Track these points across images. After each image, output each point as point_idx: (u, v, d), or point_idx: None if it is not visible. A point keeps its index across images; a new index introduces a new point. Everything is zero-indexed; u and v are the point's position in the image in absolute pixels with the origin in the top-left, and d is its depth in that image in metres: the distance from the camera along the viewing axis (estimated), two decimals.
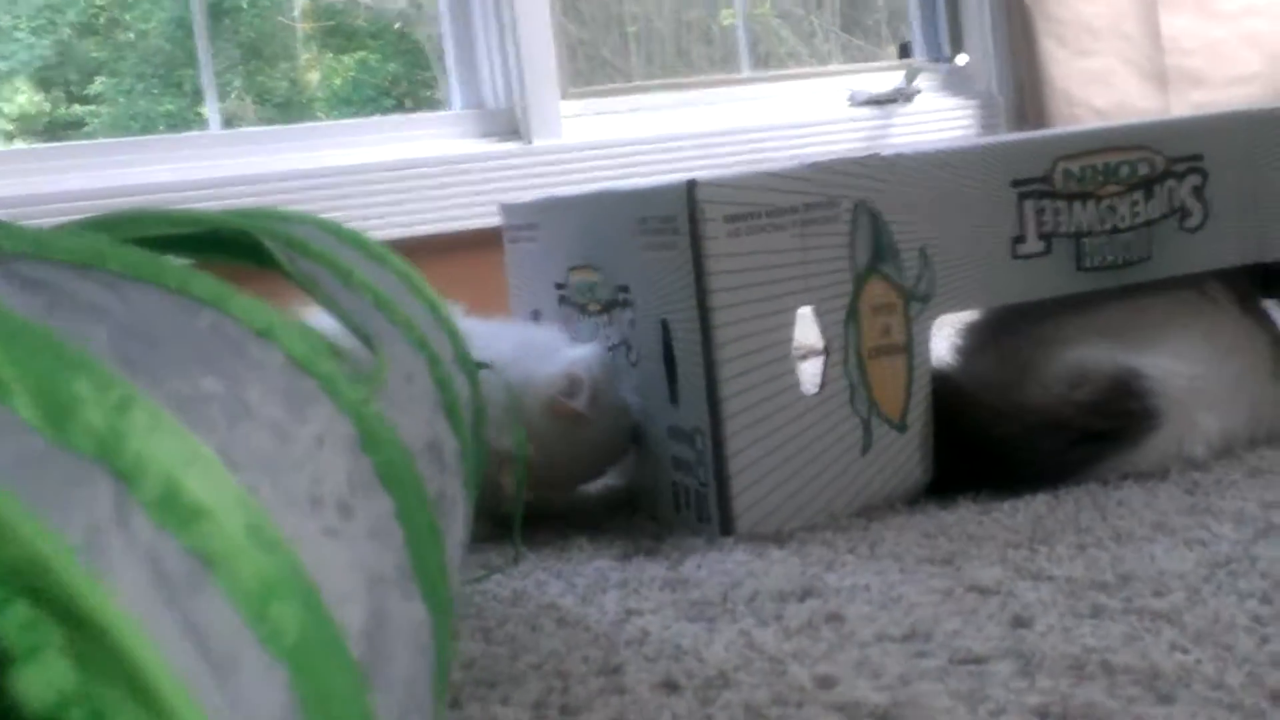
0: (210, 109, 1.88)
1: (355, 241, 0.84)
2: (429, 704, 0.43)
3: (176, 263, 0.43)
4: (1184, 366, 1.08)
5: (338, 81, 4.23)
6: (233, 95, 4.28)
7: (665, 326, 1.04)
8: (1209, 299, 1.15)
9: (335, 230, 0.84)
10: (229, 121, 4.10)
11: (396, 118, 1.95)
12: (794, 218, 1.01)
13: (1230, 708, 0.64)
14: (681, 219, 1.00)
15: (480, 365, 0.93)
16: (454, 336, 0.88)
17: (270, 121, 3.74)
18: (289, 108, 4.19)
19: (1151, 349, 1.08)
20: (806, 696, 0.71)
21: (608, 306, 1.12)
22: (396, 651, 0.38)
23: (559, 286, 1.19)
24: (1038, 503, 1.02)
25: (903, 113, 2.11)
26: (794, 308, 1.02)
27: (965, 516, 1.01)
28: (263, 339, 0.43)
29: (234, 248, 0.67)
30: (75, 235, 0.42)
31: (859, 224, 1.02)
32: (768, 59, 3.84)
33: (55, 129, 4.05)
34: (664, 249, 1.02)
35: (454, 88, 1.93)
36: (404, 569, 0.44)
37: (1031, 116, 2.13)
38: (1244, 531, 0.90)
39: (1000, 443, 1.06)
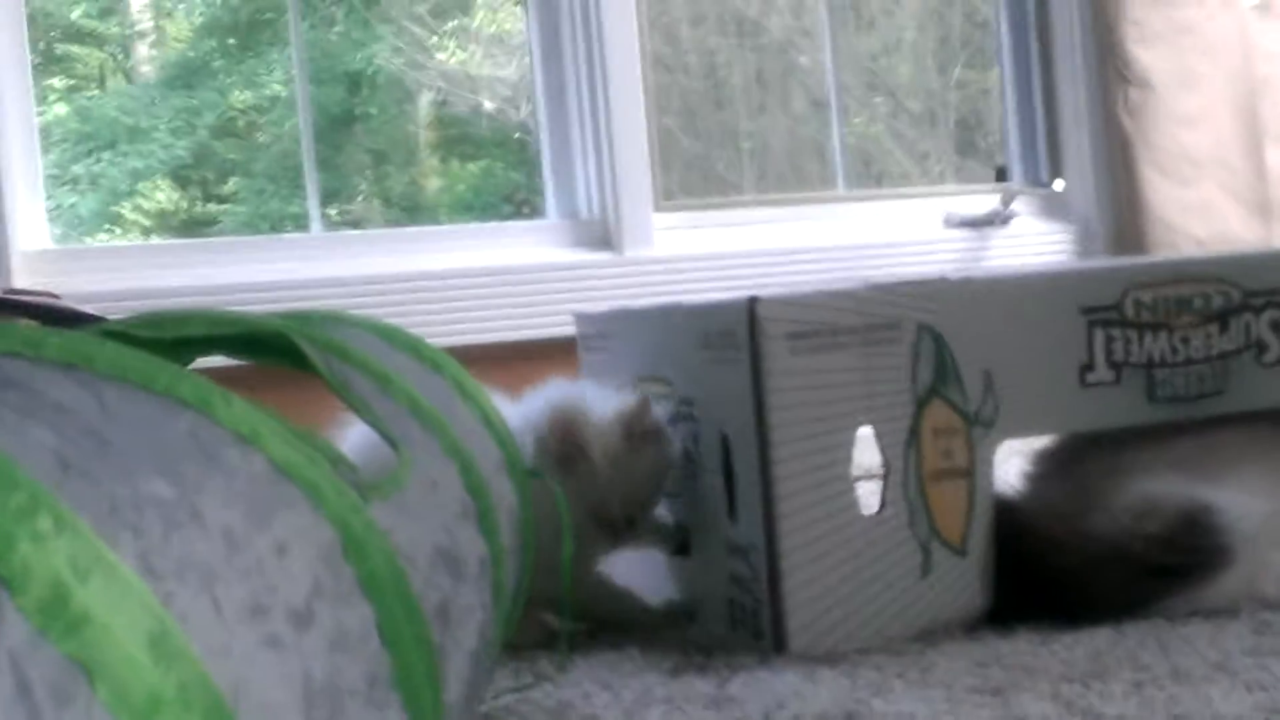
0: (312, 211, 1.93)
1: (409, 346, 0.86)
2: None
3: (171, 366, 0.44)
4: (1258, 502, 1.05)
5: (461, 188, 4.33)
6: (360, 199, 4.40)
7: (725, 441, 1.04)
8: None
9: (390, 334, 0.86)
10: (356, 224, 4.20)
11: (493, 225, 1.99)
12: (855, 338, 1.01)
13: None
14: (742, 335, 1.00)
15: (533, 474, 0.93)
16: (504, 443, 0.89)
17: (397, 224, 3.83)
18: (415, 212, 4.29)
19: (1224, 483, 1.06)
20: None
21: (672, 420, 1.12)
22: None
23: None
24: (1098, 636, 0.99)
25: (998, 236, 2.10)
26: (854, 427, 1.01)
27: (1022, 647, 0.99)
28: (245, 444, 0.44)
29: (274, 350, 0.68)
30: (72, 335, 0.43)
31: (922, 346, 1.02)
32: (881, 179, 3.86)
33: (191, 226, 4.19)
34: (726, 364, 1.03)
35: (550, 197, 1.97)
36: (378, 679, 0.44)
37: (1130, 244, 2.11)
38: None
39: (1063, 573, 1.04)
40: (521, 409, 1.12)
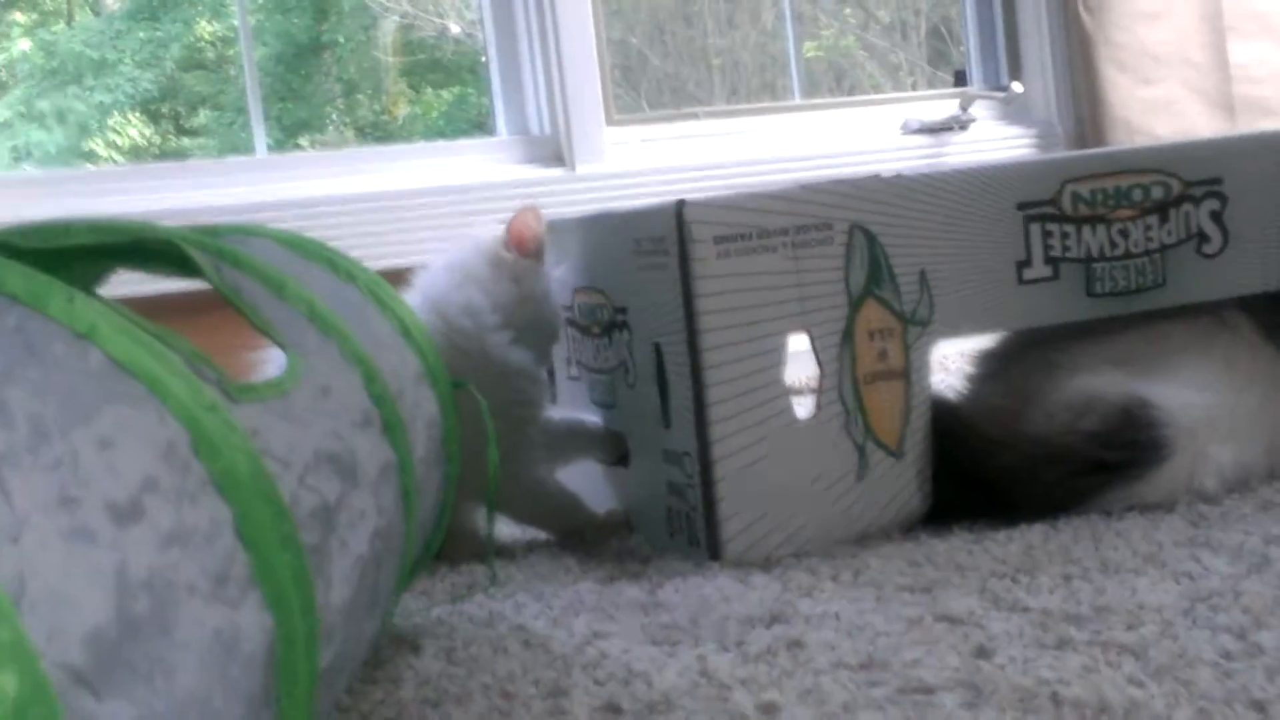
0: (257, 135, 1.90)
1: (322, 258, 0.84)
2: (244, 713, 0.42)
3: (8, 264, 0.43)
4: (1197, 396, 1.05)
5: (434, 114, 4.29)
6: (331, 128, 4.36)
7: (658, 349, 1.03)
8: (1227, 326, 1.11)
9: (302, 246, 0.84)
10: None
11: (441, 144, 1.95)
12: (786, 239, 0.99)
13: None
14: (671, 240, 0.98)
15: (457, 384, 0.92)
16: (425, 354, 0.88)
17: None
18: (388, 140, 4.25)
19: (1163, 378, 1.05)
20: None
21: (607, 329, 1.11)
22: (176, 661, 0.37)
23: (566, 309, 1.18)
24: (1033, 533, 0.99)
25: (957, 141, 2.07)
26: (786, 331, 1.00)
27: (957, 545, 0.98)
28: (80, 340, 0.42)
29: (163, 258, 0.67)
30: None
31: (854, 246, 1.00)
32: (853, 91, 3.82)
33: (164, 160, 4.15)
34: (656, 270, 1.01)
35: (500, 113, 1.94)
36: (229, 576, 0.43)
37: (1092, 145, 2.09)
38: (1238, 566, 0.87)
39: (1002, 472, 1.03)
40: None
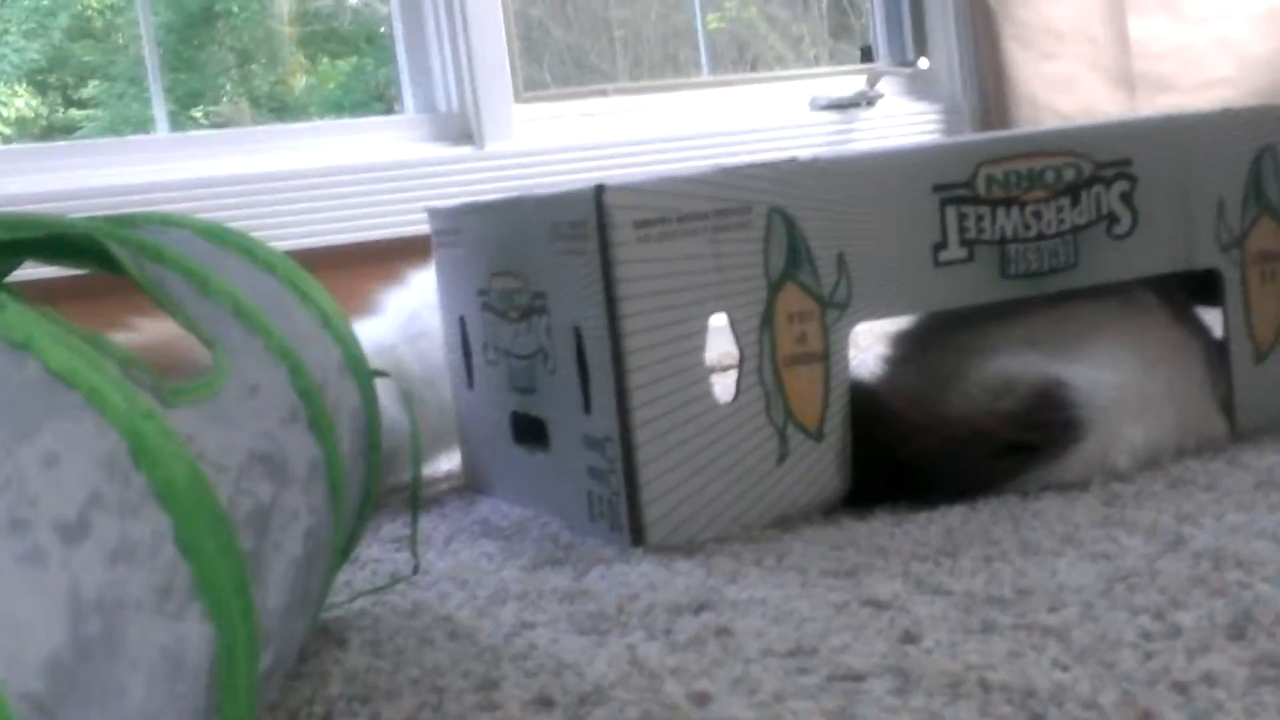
0: (158, 111, 1.87)
1: (240, 247, 0.83)
2: None
3: None
4: (1110, 376, 1.06)
5: (331, 86, 4.22)
6: (225, 100, 4.28)
7: (578, 333, 1.03)
8: (1138, 307, 1.13)
9: (219, 235, 0.83)
10: (224, 126, 4.09)
11: (346, 122, 1.93)
12: (706, 223, 0.99)
13: None
14: (590, 224, 0.98)
15: (377, 373, 0.91)
16: (345, 344, 0.86)
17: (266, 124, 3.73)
18: (284, 112, 4.18)
19: (1077, 358, 1.07)
20: (678, 714, 0.69)
21: (526, 313, 1.10)
22: (126, 680, 0.37)
23: (482, 293, 1.17)
24: (953, 515, 1.00)
25: (865, 117, 2.09)
26: (707, 315, 1.00)
27: (878, 528, 0.99)
28: (17, 351, 0.41)
29: (84, 253, 0.65)
30: None
31: (773, 229, 1.01)
32: (755, 64, 3.83)
33: (52, 133, 4.05)
34: (575, 255, 1.01)
35: (406, 90, 1.92)
36: (173, 588, 0.42)
37: (996, 122, 2.11)
38: (1152, 545, 0.89)
39: (921, 455, 1.04)
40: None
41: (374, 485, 0.90)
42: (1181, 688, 0.66)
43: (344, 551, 0.87)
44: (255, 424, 0.59)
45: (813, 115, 2.08)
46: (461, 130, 1.87)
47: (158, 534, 0.43)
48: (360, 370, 0.87)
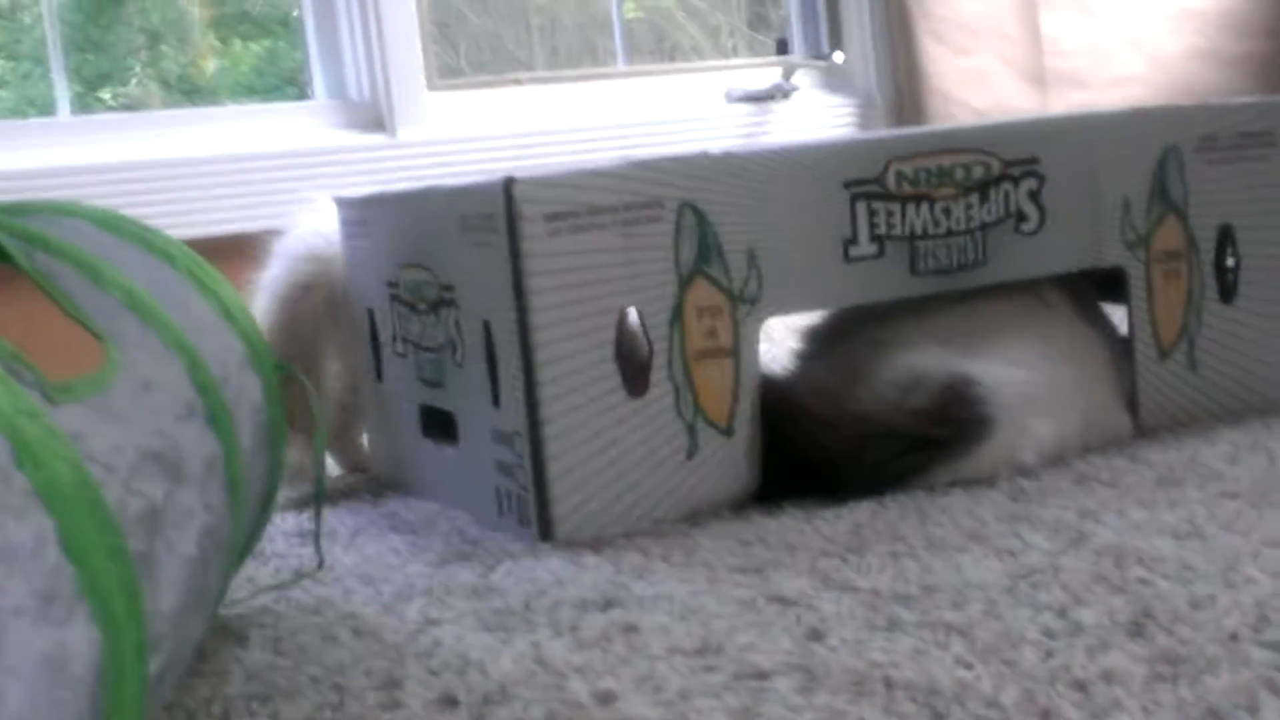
0: (59, 94, 1.83)
1: (136, 237, 0.81)
2: None
3: None
4: (1017, 373, 1.07)
5: (243, 69, 4.16)
6: (134, 82, 4.21)
7: (487, 327, 1.02)
8: (1045, 304, 1.14)
9: (114, 224, 0.81)
10: (132, 109, 4.02)
11: (255, 107, 1.91)
12: (616, 217, 0.98)
13: None
14: (499, 217, 0.97)
15: (280, 367, 0.90)
16: (248, 337, 0.85)
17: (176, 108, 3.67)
18: (194, 95, 4.11)
19: (985, 355, 1.07)
20: (581, 713, 0.69)
21: (435, 306, 1.09)
22: (4, 688, 0.35)
23: (391, 285, 1.16)
24: (861, 511, 1.00)
25: (780, 110, 2.09)
26: (617, 309, 0.99)
27: (787, 525, 0.99)
28: None
29: None
30: None
31: (684, 224, 1.00)
32: (673, 53, 3.83)
33: None
34: (484, 248, 1.00)
35: (317, 76, 1.89)
36: (57, 593, 0.41)
37: (910, 116, 2.13)
38: (1056, 542, 0.89)
39: (830, 450, 1.04)
40: None
41: (276, 480, 0.89)
42: (1081, 685, 0.66)
43: (245, 548, 0.86)
44: (148, 421, 0.58)
45: (728, 107, 2.08)
46: (373, 118, 1.85)
47: (40, 537, 0.42)
48: (264, 363, 0.86)
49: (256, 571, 1.00)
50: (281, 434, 0.88)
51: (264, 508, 0.87)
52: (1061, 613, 0.76)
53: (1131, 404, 1.15)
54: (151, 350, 0.65)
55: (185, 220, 1.49)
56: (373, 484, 1.27)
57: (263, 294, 1.23)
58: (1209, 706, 0.62)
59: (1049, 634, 0.73)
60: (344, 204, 1.23)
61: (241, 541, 0.78)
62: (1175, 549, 0.85)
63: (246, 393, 0.80)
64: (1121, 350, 1.16)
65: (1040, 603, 0.78)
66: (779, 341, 1.13)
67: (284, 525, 1.14)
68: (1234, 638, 0.70)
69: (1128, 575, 0.81)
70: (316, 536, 0.91)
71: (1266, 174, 1.20)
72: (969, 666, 0.70)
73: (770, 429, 1.05)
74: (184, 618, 0.58)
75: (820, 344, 1.16)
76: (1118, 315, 1.19)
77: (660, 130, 1.92)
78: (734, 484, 1.04)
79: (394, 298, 1.16)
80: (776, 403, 1.05)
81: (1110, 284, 1.17)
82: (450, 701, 0.72)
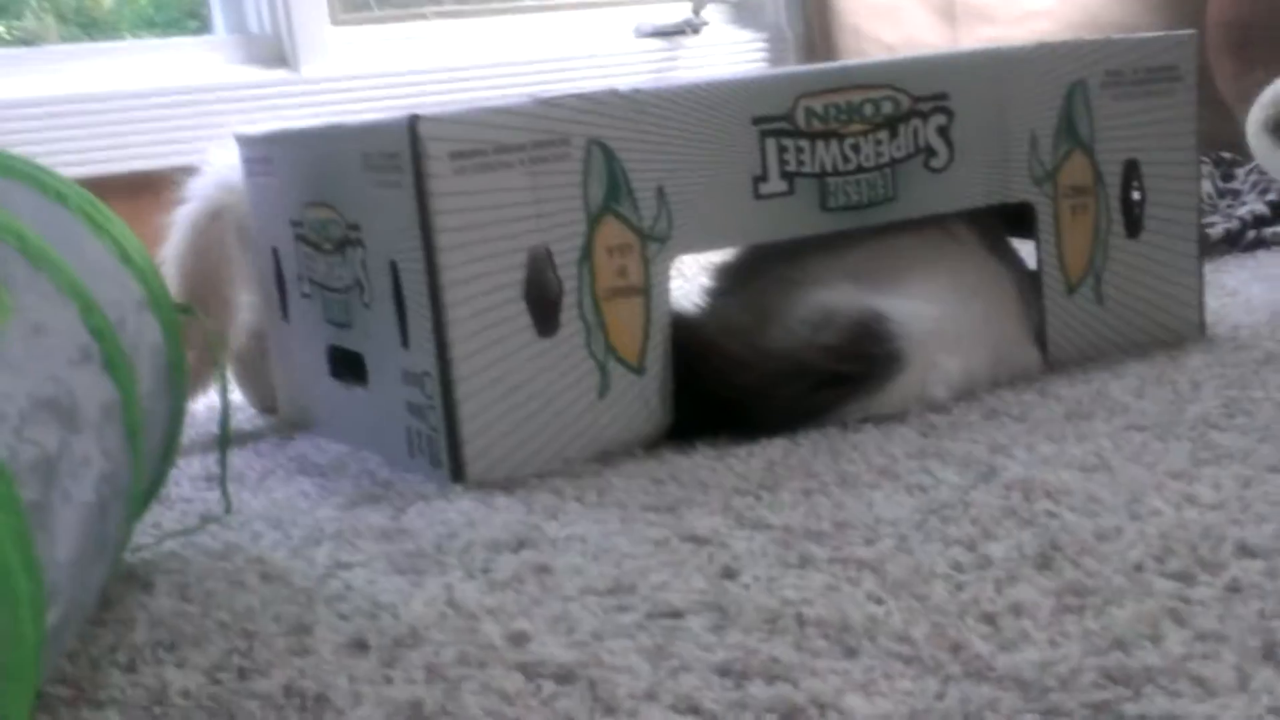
0: None
1: (27, 176, 0.79)
2: None
3: None
4: (927, 308, 1.07)
5: (142, 1, 4.06)
6: (28, 15, 4.09)
7: (394, 267, 1.00)
8: (954, 239, 1.14)
9: (4, 164, 0.78)
10: (29, 42, 3.91)
11: (152, 42, 1.86)
12: (523, 155, 0.97)
13: (909, 660, 0.63)
14: (404, 156, 0.95)
15: (182, 309, 0.88)
16: (147, 278, 0.83)
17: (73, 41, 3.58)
18: (92, 28, 4.01)
19: (895, 291, 1.07)
20: (493, 655, 0.68)
21: (340, 245, 1.07)
22: None
23: (295, 224, 1.14)
24: (774, 448, 1.00)
25: (690, 45, 2.08)
26: (526, 248, 0.98)
27: (700, 463, 0.99)
28: None
29: None
30: None
31: (592, 161, 0.99)
32: None
33: None
34: (390, 187, 0.98)
35: (216, 9, 1.85)
36: None
37: (821, 52, 2.12)
38: (966, 476, 0.90)
39: (743, 388, 1.04)
40: None
41: (179, 423, 0.87)
42: (990, 618, 0.67)
43: (147, 494, 0.84)
44: (40, 367, 0.56)
45: (637, 43, 2.06)
46: (275, 53, 1.81)
47: None
48: (163, 306, 0.84)
49: (162, 516, 0.99)
50: (182, 376, 0.86)
51: (167, 452, 0.86)
52: (971, 547, 0.77)
53: (1040, 338, 1.16)
54: (43, 294, 0.63)
55: (82, 159, 1.46)
56: (281, 426, 1.25)
57: (175, 226, 1.22)
58: (1115, 637, 0.63)
59: (959, 568, 0.74)
60: (245, 141, 1.21)
61: (144, 487, 0.76)
62: (1082, 482, 0.86)
63: (145, 335, 0.78)
64: (1030, 285, 1.16)
65: (950, 537, 0.79)
66: (691, 279, 1.12)
67: (190, 469, 1.12)
68: (1138, 568, 0.71)
69: (1036, 509, 0.82)
70: (223, 480, 0.90)
71: (1172, 109, 1.21)
72: (880, 601, 0.70)
73: (683, 367, 1.04)
74: (83, 567, 0.57)
75: (732, 281, 1.16)
76: (1026, 251, 1.20)
77: (569, 65, 1.90)
78: (646, 423, 1.03)
79: (299, 237, 1.14)
80: (689, 341, 1.05)
81: (1019, 219, 1.18)
82: (361, 645, 0.71)
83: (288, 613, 0.77)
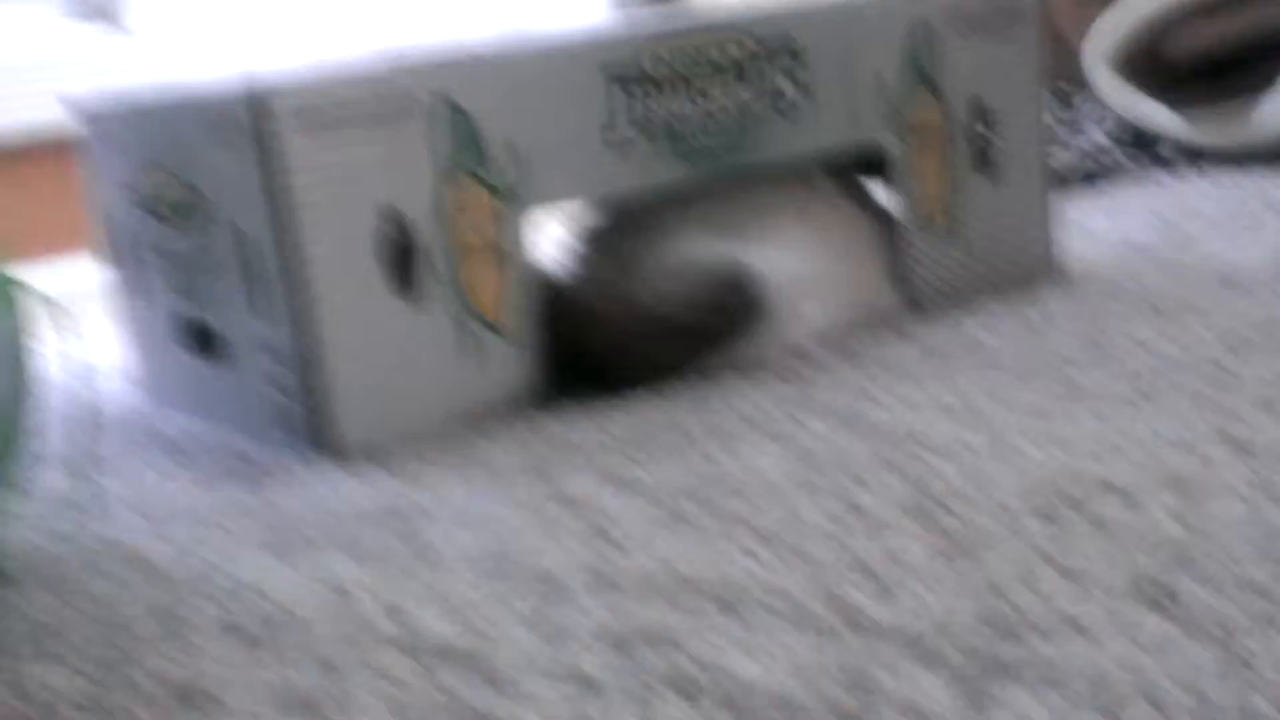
0: None
1: None
2: None
3: None
4: (786, 255, 1.07)
5: None
6: None
7: (240, 233, 0.97)
8: (810, 185, 1.14)
9: None
10: None
11: None
12: (370, 113, 0.95)
13: (789, 616, 0.63)
14: (245, 118, 0.92)
15: (14, 281, 0.84)
16: None
17: None
18: None
19: (754, 239, 1.07)
20: (370, 631, 0.67)
21: (182, 212, 1.04)
22: None
23: (132, 190, 1.10)
24: (642, 405, 1.00)
25: None
26: (378, 209, 0.96)
27: (569, 423, 0.98)
28: None
29: None
30: None
31: (440, 119, 0.97)
32: None
33: None
34: (232, 150, 0.95)
35: None
36: None
37: None
38: (832, 424, 0.90)
39: (609, 345, 1.03)
40: None
41: (27, 404, 0.83)
42: (867, 569, 0.67)
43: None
44: None
45: None
46: (101, 9, 1.74)
47: None
48: (5, 287, 0.80)
49: (14, 504, 0.95)
50: (23, 349, 0.82)
51: (12, 431, 0.82)
52: (843, 496, 0.77)
53: (897, 280, 1.17)
54: None
55: None
56: (137, 402, 1.21)
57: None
58: (990, 582, 0.64)
59: (833, 519, 0.74)
60: (73, 104, 1.16)
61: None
62: (948, 424, 0.87)
63: None
64: (888, 227, 1.17)
65: (823, 488, 0.79)
66: (559, 242, 1.11)
67: (44, 451, 1.08)
68: (1007, 510, 0.72)
69: (904, 455, 0.82)
70: (80, 463, 0.86)
71: (1017, 44, 1.22)
72: (755, 556, 0.70)
73: (549, 327, 1.03)
74: None
75: (598, 242, 1.14)
76: (884, 193, 1.20)
77: (415, 21, 1.86)
78: (514, 384, 1.02)
79: (137, 203, 1.10)
80: (555, 300, 1.04)
81: (872, 161, 1.18)
82: (234, 629, 0.69)
83: (154, 598, 0.74)
